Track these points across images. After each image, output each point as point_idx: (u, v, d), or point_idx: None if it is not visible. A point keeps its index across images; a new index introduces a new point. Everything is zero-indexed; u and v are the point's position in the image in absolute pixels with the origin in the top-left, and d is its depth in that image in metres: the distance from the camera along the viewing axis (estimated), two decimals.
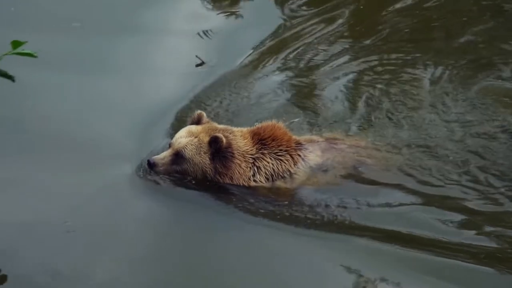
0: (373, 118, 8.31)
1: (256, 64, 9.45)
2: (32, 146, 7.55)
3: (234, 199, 7.15)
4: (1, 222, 6.60)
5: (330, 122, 8.24)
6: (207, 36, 9.81)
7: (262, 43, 9.90)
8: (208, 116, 7.53)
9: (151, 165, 7.10)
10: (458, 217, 7.00)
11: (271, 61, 9.51)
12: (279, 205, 7.10)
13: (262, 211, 7.02)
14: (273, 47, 9.85)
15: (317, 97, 8.79)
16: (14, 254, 6.30)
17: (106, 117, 8.05)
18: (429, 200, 7.19)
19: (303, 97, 8.82)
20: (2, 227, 6.56)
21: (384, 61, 9.50)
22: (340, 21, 10.44)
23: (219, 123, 7.68)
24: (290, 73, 9.32)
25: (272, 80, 9.10)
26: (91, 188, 7.14)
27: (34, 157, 7.42)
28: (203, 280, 6.26)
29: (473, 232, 6.85)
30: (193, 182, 7.24)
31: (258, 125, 7.42)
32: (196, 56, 9.32)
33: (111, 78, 8.71)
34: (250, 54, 9.62)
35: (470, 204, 7.17)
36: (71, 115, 8.07)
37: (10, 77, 5.38)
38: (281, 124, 7.42)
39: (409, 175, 7.45)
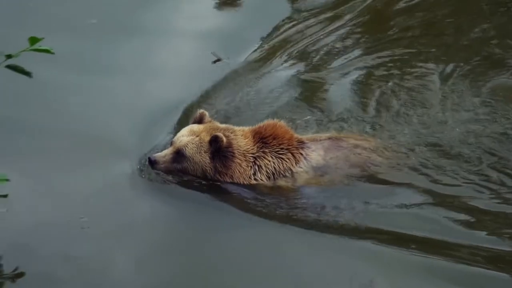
0: (383, 116, 8.24)
1: (264, 60, 9.45)
2: (41, 145, 7.67)
3: (236, 197, 7.18)
4: (17, 220, 6.67)
5: (339, 120, 8.20)
6: (212, 35, 9.84)
7: (268, 39, 9.89)
8: (215, 115, 7.60)
9: (152, 163, 7.16)
10: (469, 217, 6.92)
11: (279, 58, 9.50)
12: (280, 204, 7.09)
13: (264, 210, 7.03)
14: (281, 43, 9.84)
15: (328, 94, 8.75)
16: (31, 250, 6.38)
17: (113, 115, 8.12)
18: (437, 200, 7.11)
19: (313, 94, 8.78)
20: (18, 225, 6.64)
21: (395, 58, 9.40)
22: (348, 16, 10.36)
23: (226, 120, 7.73)
24: (299, 69, 9.29)
25: (280, 77, 9.08)
26: (102, 185, 7.23)
27: (43, 155, 7.52)
28: (203, 279, 6.32)
29: (484, 233, 6.76)
30: (198, 179, 7.28)
31: (260, 124, 7.42)
32: (212, 53, 9.36)
33: (116, 77, 8.78)
34: (258, 51, 9.63)
35: (482, 204, 7.08)
36: (78, 113, 8.17)
37: (27, 73, 5.41)
38: (282, 123, 7.41)
39: (420, 175, 7.38)
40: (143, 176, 7.34)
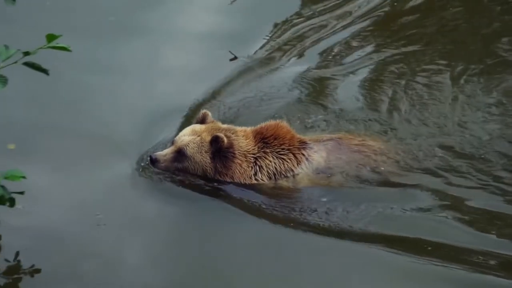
0: (395, 117, 8.17)
1: (274, 58, 9.41)
2: (52, 143, 7.73)
3: (237, 196, 7.21)
4: (33, 217, 6.74)
5: (350, 120, 8.14)
6: (220, 33, 9.80)
7: (278, 37, 9.83)
8: (226, 112, 7.65)
9: (153, 161, 7.22)
10: (477, 221, 6.84)
11: (289, 57, 9.44)
12: (281, 205, 7.10)
13: (266, 210, 7.05)
14: (291, 41, 9.77)
15: (338, 93, 8.68)
16: (48, 247, 6.48)
17: (122, 115, 8.19)
18: (447, 203, 7.05)
19: (323, 92, 8.71)
20: (35, 222, 6.71)
21: (408, 57, 9.26)
22: (359, 12, 10.25)
23: (236, 118, 7.81)
24: (309, 67, 9.22)
25: (290, 74, 9.03)
26: (113, 182, 7.32)
27: (53, 153, 7.60)
28: (203, 278, 6.38)
29: (494, 235, 6.69)
30: (201, 178, 7.33)
31: (261, 124, 7.42)
32: (230, 51, 9.37)
33: (128, 77, 8.84)
34: (267, 49, 9.59)
35: (491, 206, 7.01)
36: (88, 112, 8.23)
37: (45, 71, 5.44)
38: (284, 123, 7.39)
39: (430, 178, 7.31)
40: (150, 174, 7.40)
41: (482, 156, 7.51)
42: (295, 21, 10.15)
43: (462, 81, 8.70)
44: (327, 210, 7.02)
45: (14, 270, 6.16)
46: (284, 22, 10.13)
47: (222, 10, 10.18)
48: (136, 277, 6.32)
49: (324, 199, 7.14)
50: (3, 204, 5.46)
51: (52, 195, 7.09)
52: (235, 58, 9.38)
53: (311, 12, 10.31)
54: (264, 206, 7.09)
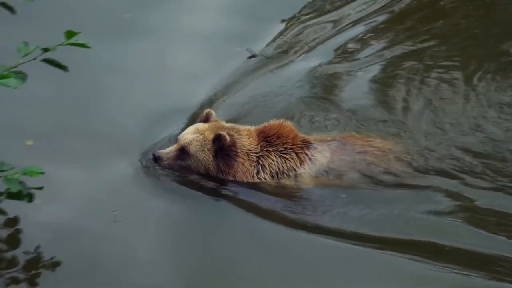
0: (407, 116, 8.09)
1: (284, 55, 9.43)
2: (64, 140, 7.85)
3: (241, 194, 7.26)
4: (52, 212, 6.88)
5: (361, 120, 8.08)
6: (230, 31, 9.82)
7: (287, 33, 9.83)
8: (231, 113, 7.72)
9: (156, 159, 7.29)
10: (491, 224, 6.76)
11: (301, 54, 9.43)
12: (284, 204, 7.13)
13: (269, 209, 7.10)
14: (303, 37, 9.76)
15: (349, 91, 8.62)
16: (68, 241, 6.64)
17: (131, 114, 8.26)
18: (456, 207, 6.98)
19: (334, 90, 8.68)
20: (54, 217, 6.85)
21: (422, 55, 9.14)
22: (374, 7, 10.18)
23: (246, 116, 7.89)
24: (321, 64, 9.19)
25: (301, 72, 9.02)
26: (126, 179, 7.43)
27: (68, 150, 7.72)
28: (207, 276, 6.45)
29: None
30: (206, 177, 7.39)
31: (265, 123, 7.43)
32: (247, 49, 9.41)
33: (134, 77, 8.92)
34: (277, 44, 9.60)
35: (508, 208, 6.90)
36: (100, 111, 8.33)
37: (63, 67, 5.49)
38: (288, 123, 7.39)
39: (441, 181, 7.23)
40: (159, 172, 7.48)
41: (498, 156, 7.39)
42: (304, 17, 10.13)
43: (476, 80, 8.57)
44: (330, 211, 7.02)
45: (35, 263, 6.32)
46: (295, 18, 10.11)
47: (230, 9, 10.21)
48: (148, 273, 6.43)
49: (327, 200, 7.14)
50: (22, 199, 5.54)
51: (68, 191, 7.20)
52: (254, 56, 9.41)
53: (323, 8, 10.28)
54: (266, 206, 7.13)
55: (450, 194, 7.08)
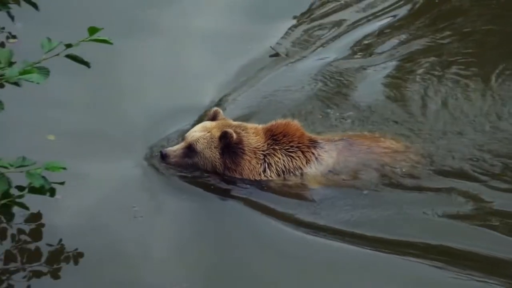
0: (424, 117, 8.00)
1: (297, 52, 9.42)
2: (80, 137, 7.91)
3: (248, 193, 7.27)
4: (72, 207, 6.96)
5: (374, 120, 8.01)
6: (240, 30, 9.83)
7: (299, 31, 9.79)
8: (243, 111, 7.80)
9: (163, 156, 7.33)
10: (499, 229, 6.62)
11: (317, 50, 9.40)
12: (289, 203, 7.11)
13: (273, 207, 7.09)
14: (319, 33, 9.75)
15: (362, 89, 8.54)
16: (89, 235, 6.72)
17: (144, 112, 8.33)
18: (464, 209, 6.86)
19: (347, 88, 8.62)
20: (75, 211, 6.94)
21: (440, 51, 9.03)
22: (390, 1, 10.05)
23: (257, 113, 7.93)
24: (333, 59, 9.15)
25: (314, 69, 8.98)
26: (143, 176, 7.51)
27: (80, 151, 7.74)
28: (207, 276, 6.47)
29: None
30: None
31: (272, 121, 7.43)
32: (271, 47, 9.42)
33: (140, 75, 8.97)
34: (290, 41, 9.58)
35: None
36: (112, 108, 8.40)
37: (86, 63, 5.46)
38: (295, 121, 7.38)
39: (453, 183, 7.11)
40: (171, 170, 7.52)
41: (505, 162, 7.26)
42: (317, 13, 10.11)
43: (494, 78, 8.42)
44: (335, 210, 6.98)
45: (58, 255, 6.43)
46: (307, 14, 10.10)
47: (242, 7, 10.19)
48: (161, 270, 6.50)
49: (332, 200, 7.10)
50: (44, 194, 5.49)
51: (88, 186, 7.28)
52: (277, 54, 9.40)
53: (338, 3, 10.24)
54: (272, 205, 7.11)
55: (465, 195, 6.99)
